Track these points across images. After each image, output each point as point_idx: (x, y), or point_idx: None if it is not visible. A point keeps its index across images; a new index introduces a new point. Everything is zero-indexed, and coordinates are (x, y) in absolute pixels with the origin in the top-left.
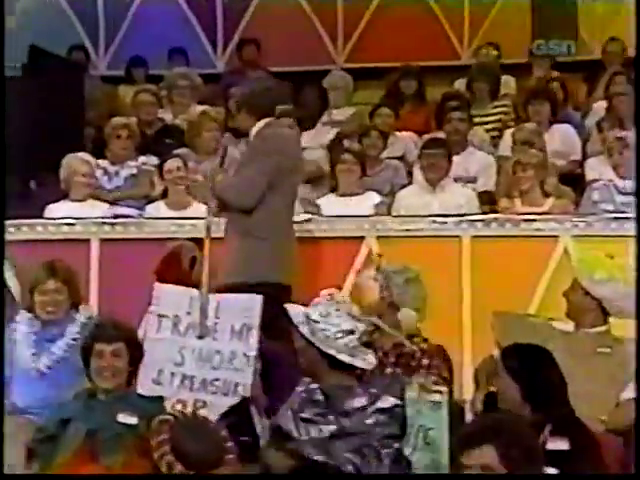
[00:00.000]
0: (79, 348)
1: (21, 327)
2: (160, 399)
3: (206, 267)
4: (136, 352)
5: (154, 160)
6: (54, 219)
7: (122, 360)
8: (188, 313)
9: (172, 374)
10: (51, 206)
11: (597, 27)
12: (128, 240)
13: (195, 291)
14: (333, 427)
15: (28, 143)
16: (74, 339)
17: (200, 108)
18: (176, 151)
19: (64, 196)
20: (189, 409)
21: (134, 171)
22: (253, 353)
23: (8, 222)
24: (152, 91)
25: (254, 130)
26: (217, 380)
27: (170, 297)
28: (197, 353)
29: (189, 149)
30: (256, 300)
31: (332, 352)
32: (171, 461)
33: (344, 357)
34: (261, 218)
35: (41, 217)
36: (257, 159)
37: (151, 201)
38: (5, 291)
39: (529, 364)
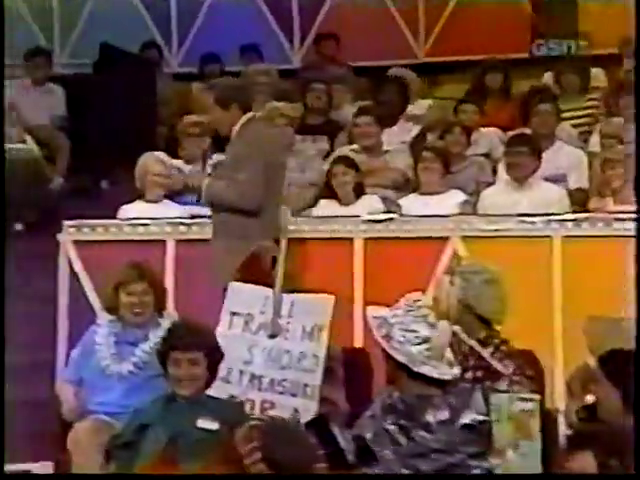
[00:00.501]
0: (157, 354)
1: (102, 329)
2: (240, 404)
3: (281, 267)
4: (215, 358)
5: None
6: (129, 219)
7: (200, 368)
8: (262, 312)
9: (241, 372)
10: (125, 207)
11: None
12: (205, 241)
13: (270, 290)
14: (416, 441)
15: (99, 142)
16: (157, 344)
17: (276, 104)
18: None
19: (138, 196)
20: (274, 413)
21: (209, 170)
22: (323, 354)
23: (82, 222)
24: None
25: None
26: (285, 380)
27: (244, 295)
28: (267, 352)
29: None
30: (328, 300)
31: (404, 360)
32: (263, 469)
33: (419, 367)
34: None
35: (113, 217)
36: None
37: None
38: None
39: (631, 371)
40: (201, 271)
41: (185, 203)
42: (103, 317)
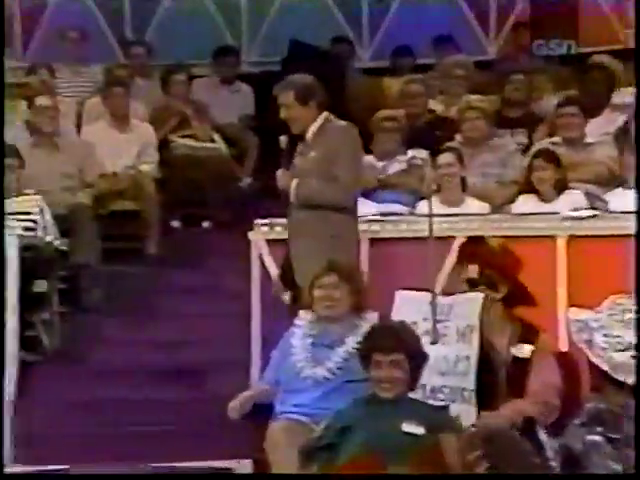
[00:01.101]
0: (358, 356)
1: (299, 330)
2: (446, 409)
3: (433, 269)
4: (417, 361)
5: (424, 154)
6: None
7: (401, 370)
8: (424, 319)
9: None
10: None
11: None
12: (398, 239)
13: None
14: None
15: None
16: (355, 348)
17: (472, 97)
18: (449, 144)
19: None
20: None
21: (403, 166)
22: (475, 356)
23: (275, 221)
24: (422, 81)
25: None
26: (445, 387)
27: (410, 302)
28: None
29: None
30: (478, 298)
31: (606, 368)
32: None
33: (623, 375)
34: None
35: None
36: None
37: (422, 197)
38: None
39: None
40: (395, 270)
41: (381, 200)
42: (302, 317)
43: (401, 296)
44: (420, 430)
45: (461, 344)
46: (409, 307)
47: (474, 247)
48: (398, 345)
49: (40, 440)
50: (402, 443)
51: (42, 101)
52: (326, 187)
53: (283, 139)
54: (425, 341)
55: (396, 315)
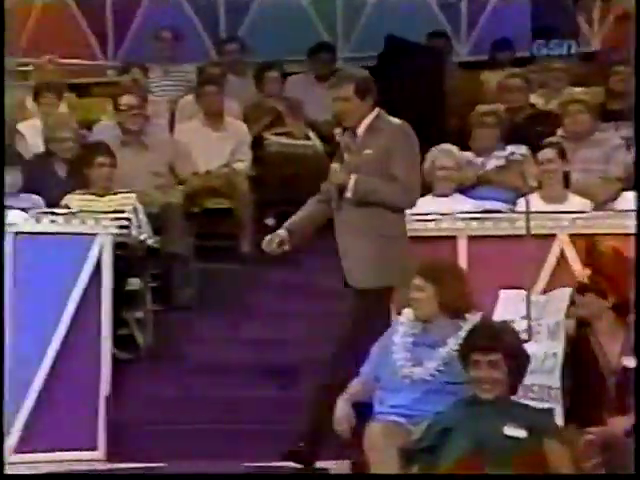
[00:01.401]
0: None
1: (401, 328)
2: (549, 412)
3: (532, 268)
4: (517, 361)
5: (524, 149)
6: (418, 215)
7: (499, 371)
8: (522, 317)
9: None
10: None
11: None
12: (499, 237)
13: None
14: None
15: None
16: (456, 350)
17: (575, 90)
18: (551, 139)
19: (428, 190)
20: None
21: (502, 162)
22: (561, 352)
23: None
24: (523, 75)
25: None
26: (534, 385)
27: (508, 301)
28: None
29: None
30: (565, 295)
31: None
32: None
33: None
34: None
35: None
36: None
37: (522, 194)
38: None
39: None
40: (495, 269)
41: (479, 197)
42: (404, 315)
43: (502, 295)
44: (522, 433)
45: (550, 341)
46: (509, 306)
47: (586, 250)
48: (496, 345)
49: (134, 437)
50: (504, 446)
51: (127, 100)
52: (387, 186)
53: (339, 132)
54: None
55: (497, 314)
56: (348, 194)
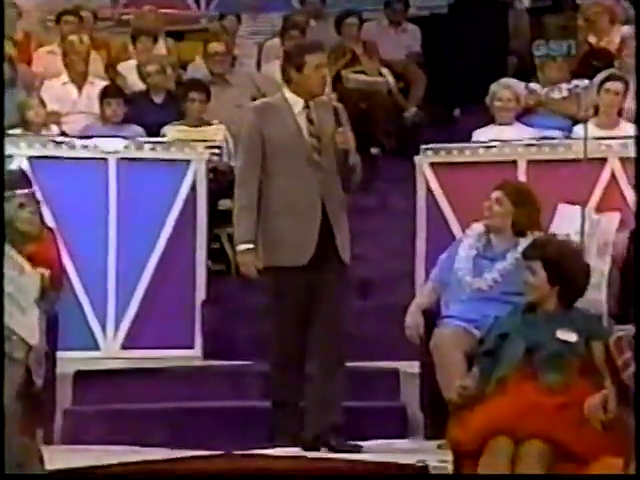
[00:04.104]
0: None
1: (467, 240)
2: (598, 317)
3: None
4: (556, 270)
5: (586, 82)
6: (482, 142)
7: (538, 277)
8: (576, 232)
9: None
10: (478, 131)
11: None
12: (555, 161)
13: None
14: None
15: (453, 75)
16: (512, 265)
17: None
18: (616, 72)
19: (492, 120)
20: None
21: (565, 94)
22: (607, 270)
23: (439, 145)
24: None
25: None
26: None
27: (565, 217)
28: None
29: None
30: (615, 217)
31: None
32: None
33: None
34: None
35: (467, 141)
36: None
37: (577, 122)
38: None
39: None
40: (552, 192)
41: (538, 125)
42: (472, 228)
43: (560, 210)
44: (573, 337)
45: (598, 259)
46: (564, 220)
47: None
48: (535, 254)
49: (225, 338)
50: (556, 350)
51: (214, 47)
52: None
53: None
54: None
55: (554, 226)
56: (353, 159)
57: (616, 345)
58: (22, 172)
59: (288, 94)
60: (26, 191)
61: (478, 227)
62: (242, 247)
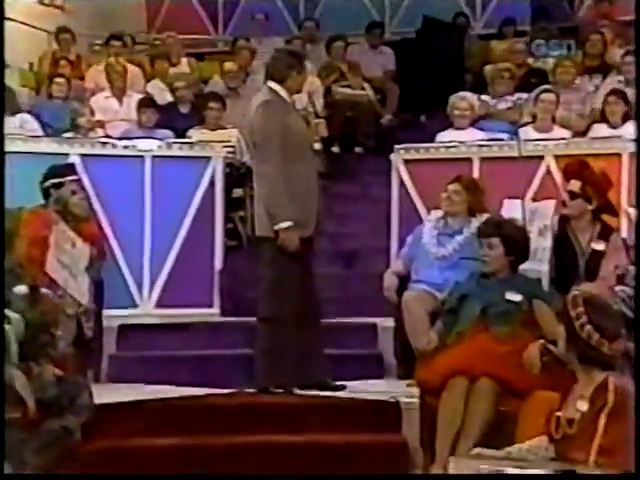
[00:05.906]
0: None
1: (429, 223)
2: (539, 281)
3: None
4: (513, 244)
5: (526, 95)
6: (443, 143)
7: (496, 251)
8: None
9: None
10: (440, 134)
11: None
12: (502, 159)
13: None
14: None
15: (420, 88)
16: (467, 238)
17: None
18: (548, 86)
19: (449, 125)
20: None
21: (510, 104)
22: (549, 247)
23: (410, 145)
24: (524, 42)
25: None
26: (528, 270)
27: (510, 207)
28: None
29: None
30: (551, 204)
31: None
32: (590, 330)
33: None
34: None
35: (431, 142)
36: None
37: (520, 126)
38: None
39: None
40: (499, 183)
41: (489, 130)
42: (432, 214)
43: (505, 204)
44: (518, 297)
45: (540, 238)
46: (510, 211)
47: (578, 167)
48: (494, 232)
49: (239, 298)
50: (506, 308)
51: (228, 66)
52: None
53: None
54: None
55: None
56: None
57: (572, 300)
58: (71, 164)
59: (282, 92)
60: (73, 177)
61: (436, 213)
62: (285, 224)
